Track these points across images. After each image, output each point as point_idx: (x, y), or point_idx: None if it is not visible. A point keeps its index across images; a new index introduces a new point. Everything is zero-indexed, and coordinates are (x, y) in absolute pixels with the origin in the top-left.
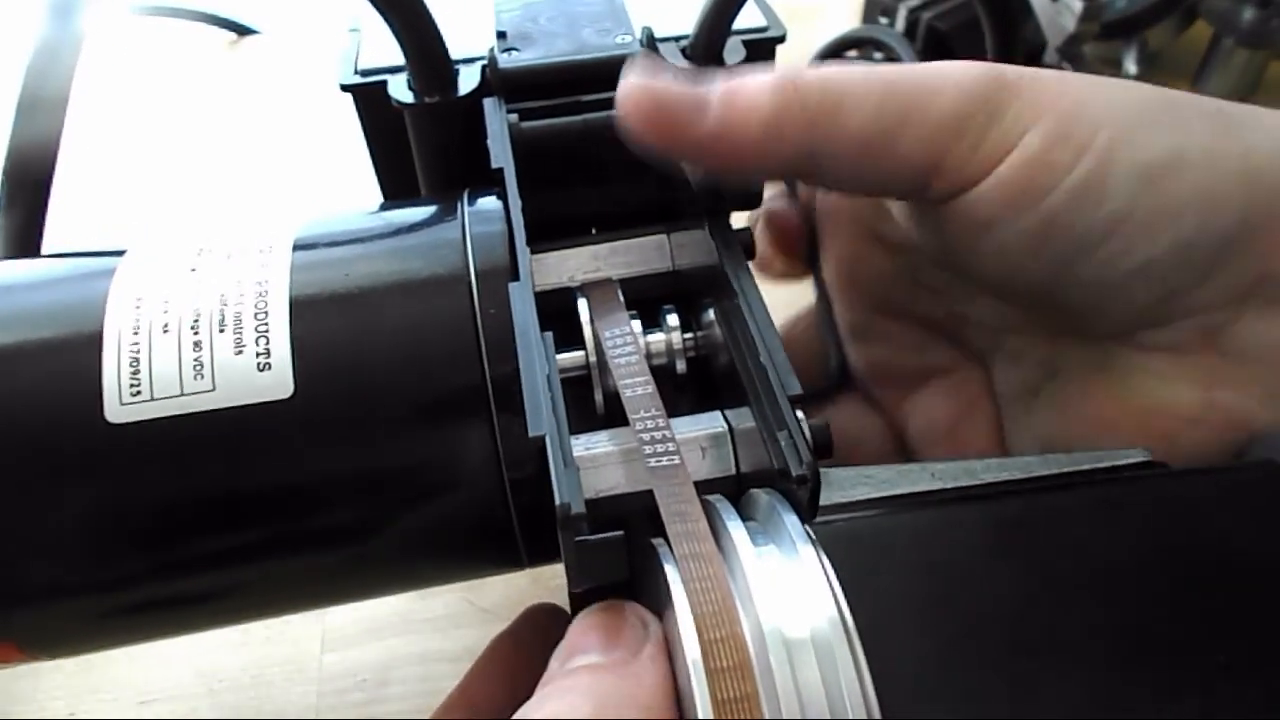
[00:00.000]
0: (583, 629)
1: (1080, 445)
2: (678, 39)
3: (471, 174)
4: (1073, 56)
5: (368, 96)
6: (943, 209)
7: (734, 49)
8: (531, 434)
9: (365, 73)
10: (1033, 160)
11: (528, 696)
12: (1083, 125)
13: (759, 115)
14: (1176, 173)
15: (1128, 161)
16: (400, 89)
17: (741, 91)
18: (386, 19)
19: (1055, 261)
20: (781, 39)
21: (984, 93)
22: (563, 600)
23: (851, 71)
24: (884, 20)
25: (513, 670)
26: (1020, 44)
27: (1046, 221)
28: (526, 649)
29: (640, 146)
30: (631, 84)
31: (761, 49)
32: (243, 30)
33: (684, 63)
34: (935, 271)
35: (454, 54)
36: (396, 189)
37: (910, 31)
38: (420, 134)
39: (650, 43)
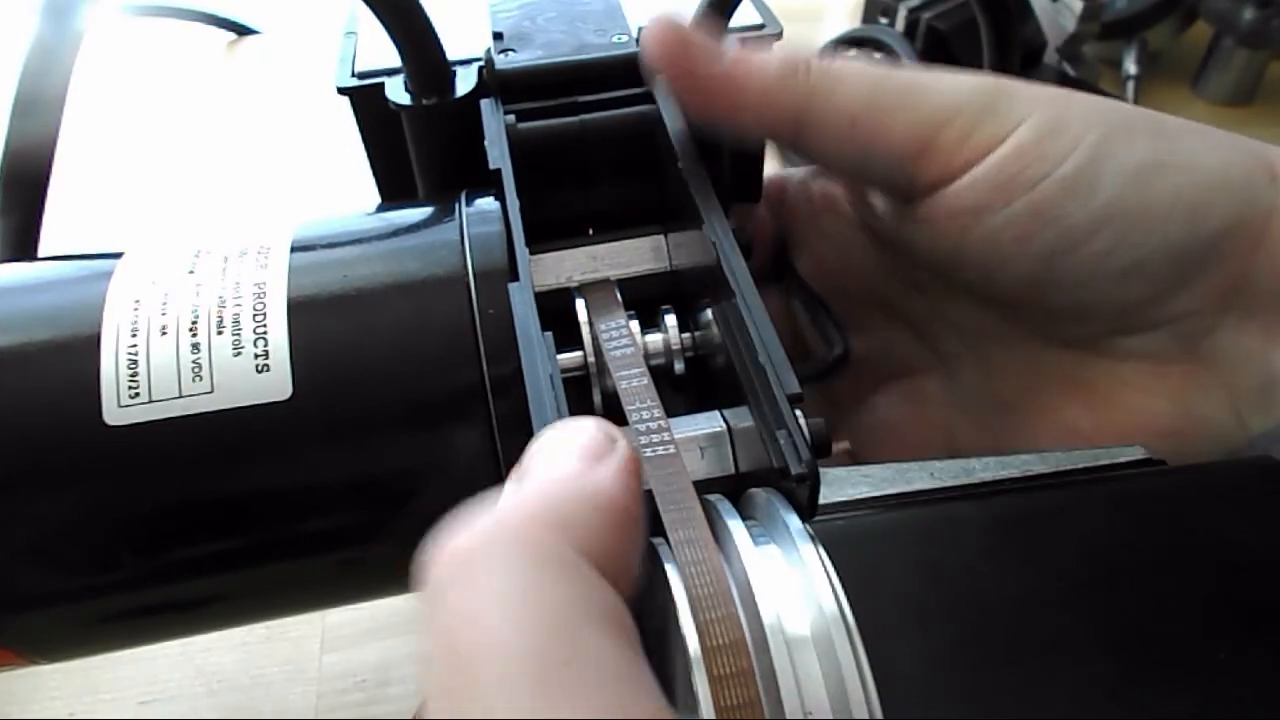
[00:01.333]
0: (543, 447)
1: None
2: None
3: (469, 175)
4: (1073, 56)
5: (364, 98)
6: (930, 200)
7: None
8: (535, 434)
9: (362, 75)
10: (1026, 149)
11: None
12: (1075, 123)
13: (762, 77)
14: (1162, 175)
15: (1118, 160)
16: (397, 91)
17: (753, 56)
18: (383, 21)
19: (1043, 254)
20: (778, 37)
21: (978, 90)
22: None
23: (855, 63)
24: (884, 20)
25: None
26: (1016, 45)
27: (1037, 210)
28: None
29: (654, 68)
30: (662, 19)
31: (758, 47)
32: (242, 30)
33: None
34: (919, 267)
35: (451, 55)
36: (394, 191)
37: (910, 31)
38: (417, 136)
39: None
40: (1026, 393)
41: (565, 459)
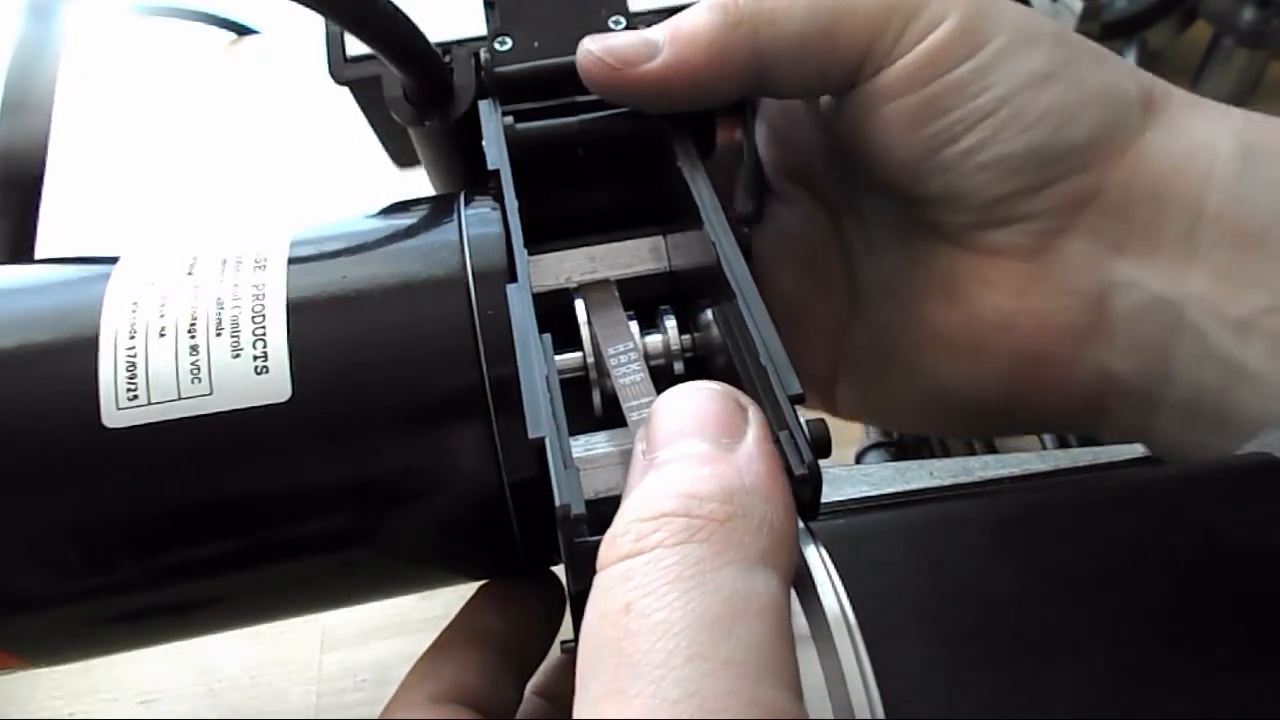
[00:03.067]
0: (678, 414)
1: (911, 347)
2: (671, 10)
3: (476, 172)
4: None
5: (364, 87)
6: (851, 90)
7: None
8: (531, 436)
9: (355, 59)
10: (935, 50)
11: (524, 626)
12: (984, 28)
13: (703, 37)
14: (1047, 85)
15: (1011, 66)
16: (399, 104)
17: (683, 22)
18: (372, 45)
19: (925, 142)
20: None
21: None
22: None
23: None
24: None
25: (511, 601)
26: None
27: (927, 103)
28: (523, 583)
29: (610, 98)
30: (586, 45)
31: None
32: (243, 30)
33: None
34: (843, 153)
35: (447, 34)
36: (406, 158)
37: None
38: (423, 144)
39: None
40: (902, 285)
41: (703, 443)
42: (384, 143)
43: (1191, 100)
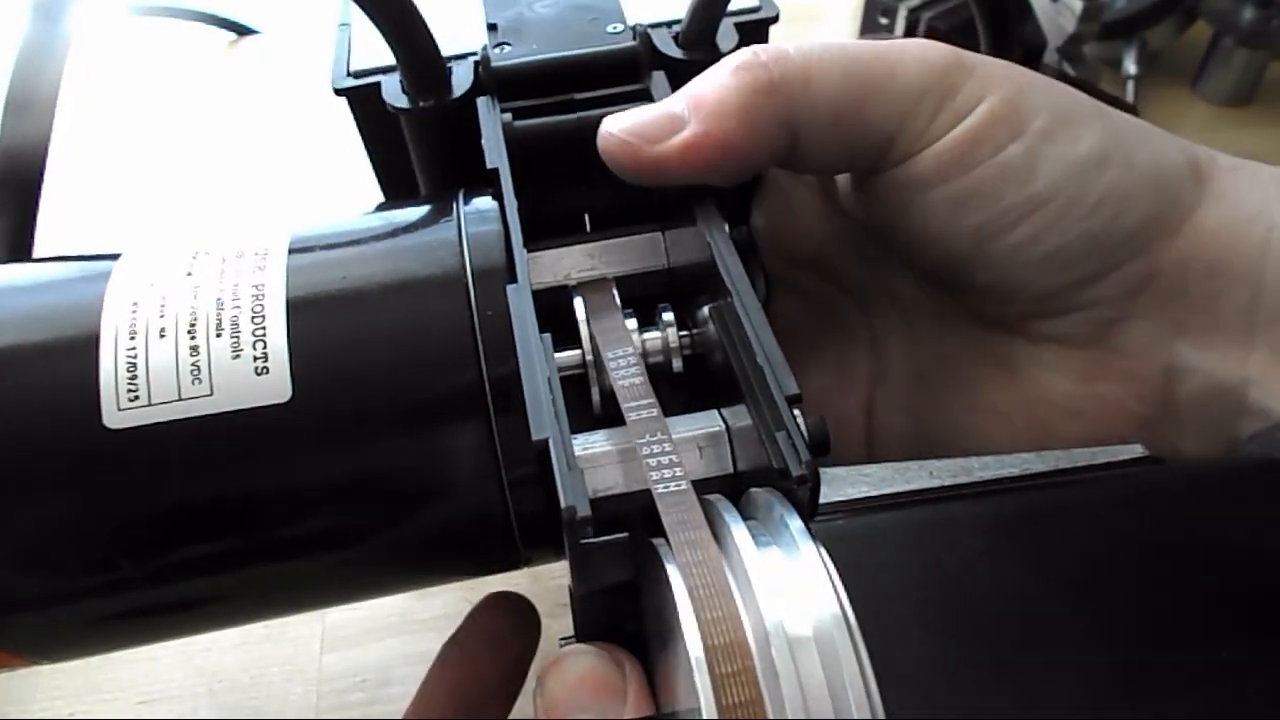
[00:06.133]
0: (566, 684)
1: (962, 431)
2: (670, 23)
3: (471, 173)
4: (1073, 56)
5: (362, 98)
6: (883, 174)
7: (726, 33)
8: (534, 437)
9: (358, 73)
10: (973, 133)
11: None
12: (1025, 109)
13: (732, 105)
14: (1099, 170)
15: (1059, 150)
16: (394, 93)
17: (706, 90)
18: (375, 22)
19: (972, 234)
20: (774, 19)
21: (942, 69)
22: (561, 598)
23: (813, 44)
24: (884, 20)
25: (462, 685)
26: (1014, 43)
27: (972, 191)
28: (475, 661)
29: (638, 180)
30: (606, 127)
31: (754, 30)
32: (242, 30)
33: (676, 50)
34: (869, 238)
35: (446, 50)
36: (397, 189)
37: (911, 31)
38: (416, 137)
39: (643, 38)
40: (949, 369)
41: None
42: (377, 170)
43: (1235, 163)
